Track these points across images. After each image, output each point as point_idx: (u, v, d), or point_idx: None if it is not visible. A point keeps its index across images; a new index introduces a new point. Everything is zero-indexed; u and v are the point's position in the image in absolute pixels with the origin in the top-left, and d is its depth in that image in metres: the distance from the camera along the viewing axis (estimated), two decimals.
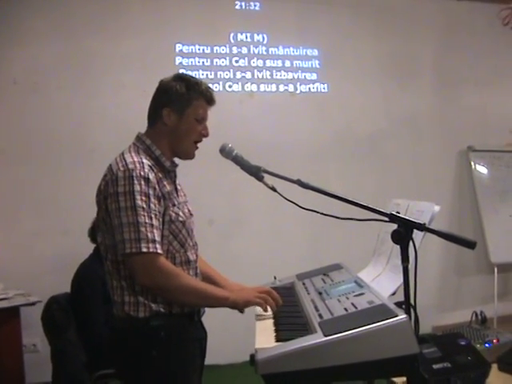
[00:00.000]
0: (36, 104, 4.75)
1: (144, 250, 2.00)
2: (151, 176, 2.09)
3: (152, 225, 2.04)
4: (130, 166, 2.07)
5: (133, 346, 2.12)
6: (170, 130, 2.24)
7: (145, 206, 2.04)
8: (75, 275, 3.59)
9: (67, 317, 3.43)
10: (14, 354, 3.97)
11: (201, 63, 5.19)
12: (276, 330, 1.91)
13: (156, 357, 2.08)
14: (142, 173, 2.07)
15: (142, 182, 2.06)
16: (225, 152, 2.28)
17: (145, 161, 2.13)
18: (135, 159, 2.11)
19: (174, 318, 2.12)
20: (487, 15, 5.90)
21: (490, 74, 6.04)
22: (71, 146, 4.79)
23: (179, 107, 2.23)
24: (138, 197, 2.03)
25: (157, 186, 2.11)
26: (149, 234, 2.02)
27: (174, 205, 2.17)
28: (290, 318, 2.02)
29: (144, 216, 2.03)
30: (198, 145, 2.32)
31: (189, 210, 2.31)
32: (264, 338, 1.84)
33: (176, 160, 2.33)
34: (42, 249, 4.64)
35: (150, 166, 2.13)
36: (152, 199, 2.07)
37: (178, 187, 2.34)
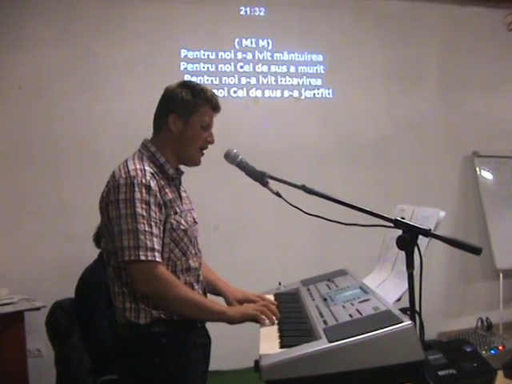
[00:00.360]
0: (40, 109, 4.75)
1: (142, 258, 2.01)
2: (152, 184, 2.09)
3: (152, 233, 2.04)
4: (132, 174, 2.08)
5: (135, 353, 2.12)
6: (175, 136, 2.24)
7: (145, 213, 2.04)
8: (79, 280, 3.59)
9: (71, 322, 3.43)
10: (18, 359, 3.97)
11: (205, 69, 5.19)
12: (280, 336, 1.90)
13: (158, 363, 2.07)
14: (144, 180, 2.07)
15: (143, 190, 2.06)
16: (229, 157, 2.29)
17: (147, 168, 2.13)
18: (137, 166, 2.12)
19: (175, 324, 2.12)
20: (492, 20, 5.91)
21: (495, 79, 6.03)
22: (75, 151, 4.79)
23: (185, 114, 2.23)
24: (138, 204, 2.03)
25: (158, 194, 2.10)
26: (148, 242, 2.02)
27: (175, 213, 2.16)
28: (294, 324, 2.02)
29: (144, 224, 2.03)
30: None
31: (193, 218, 2.30)
32: (268, 344, 1.83)
33: (181, 167, 2.33)
34: (46, 254, 4.64)
35: (152, 174, 2.13)
36: (152, 207, 2.07)
37: (183, 194, 2.33)
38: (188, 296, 2.10)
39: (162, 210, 2.11)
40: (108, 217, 2.11)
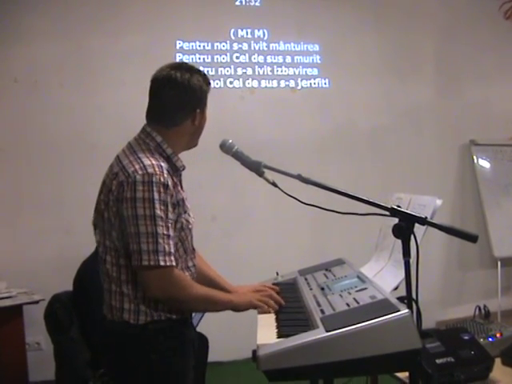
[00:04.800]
0: (37, 102, 4.74)
1: (162, 263, 1.94)
2: (170, 182, 2.01)
3: (169, 236, 1.98)
4: (150, 170, 1.97)
5: (131, 350, 2.06)
6: (194, 131, 2.20)
7: (163, 215, 1.96)
8: (77, 273, 3.59)
9: (70, 315, 3.43)
10: (17, 353, 3.98)
11: (201, 60, 5.17)
12: (278, 326, 1.91)
13: (155, 360, 2.04)
14: (162, 179, 1.97)
15: (162, 189, 1.97)
16: (225, 148, 2.28)
17: (163, 164, 2.04)
18: (153, 162, 2.01)
19: (171, 321, 2.08)
20: (489, 9, 5.88)
21: (492, 67, 6.01)
22: (72, 144, 4.78)
23: (204, 106, 2.21)
24: (157, 206, 1.95)
25: (174, 193, 2.04)
26: (166, 247, 1.96)
27: (185, 211, 2.11)
28: (291, 314, 2.02)
29: (162, 227, 1.95)
30: (200, 140, 2.30)
31: None
32: (266, 333, 1.84)
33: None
34: (44, 247, 4.64)
35: (168, 171, 2.04)
36: (170, 208, 2.00)
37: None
38: (201, 294, 2.08)
39: (175, 210, 2.05)
40: (117, 212, 2.00)
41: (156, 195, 1.95)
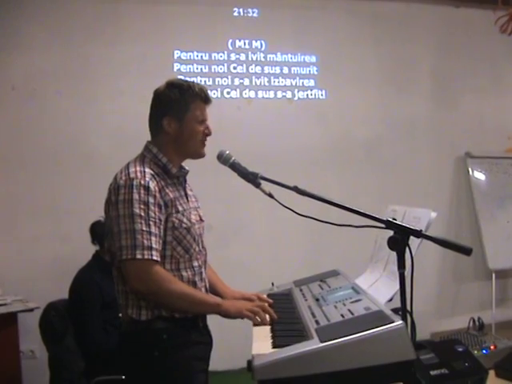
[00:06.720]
0: (34, 110, 4.75)
1: (138, 256, 2.04)
2: (152, 184, 2.13)
3: (149, 232, 2.07)
4: (131, 176, 2.13)
5: (135, 348, 2.16)
6: (173, 138, 2.27)
7: (143, 213, 2.08)
8: (73, 282, 3.59)
9: (65, 323, 3.43)
10: (11, 361, 3.96)
11: (199, 70, 5.20)
12: (273, 336, 1.91)
13: (158, 358, 2.10)
14: (143, 181, 2.11)
15: (142, 191, 2.10)
16: (222, 159, 2.30)
17: (147, 170, 2.17)
18: (137, 168, 2.16)
19: (176, 321, 2.15)
20: (485, 22, 5.91)
21: (488, 80, 6.06)
22: (69, 152, 4.79)
23: (178, 114, 2.26)
24: (136, 205, 2.08)
25: (158, 195, 2.14)
26: (145, 241, 2.06)
27: (177, 211, 2.20)
28: (286, 324, 2.02)
29: (141, 224, 2.07)
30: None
31: (199, 216, 2.37)
32: (261, 344, 1.84)
33: (186, 166, 2.37)
34: (40, 255, 4.63)
35: (152, 175, 2.17)
36: (151, 207, 2.10)
37: (190, 192, 2.38)
38: (182, 290, 2.14)
39: (162, 210, 2.15)
40: (110, 218, 2.15)
41: (135, 196, 2.09)
